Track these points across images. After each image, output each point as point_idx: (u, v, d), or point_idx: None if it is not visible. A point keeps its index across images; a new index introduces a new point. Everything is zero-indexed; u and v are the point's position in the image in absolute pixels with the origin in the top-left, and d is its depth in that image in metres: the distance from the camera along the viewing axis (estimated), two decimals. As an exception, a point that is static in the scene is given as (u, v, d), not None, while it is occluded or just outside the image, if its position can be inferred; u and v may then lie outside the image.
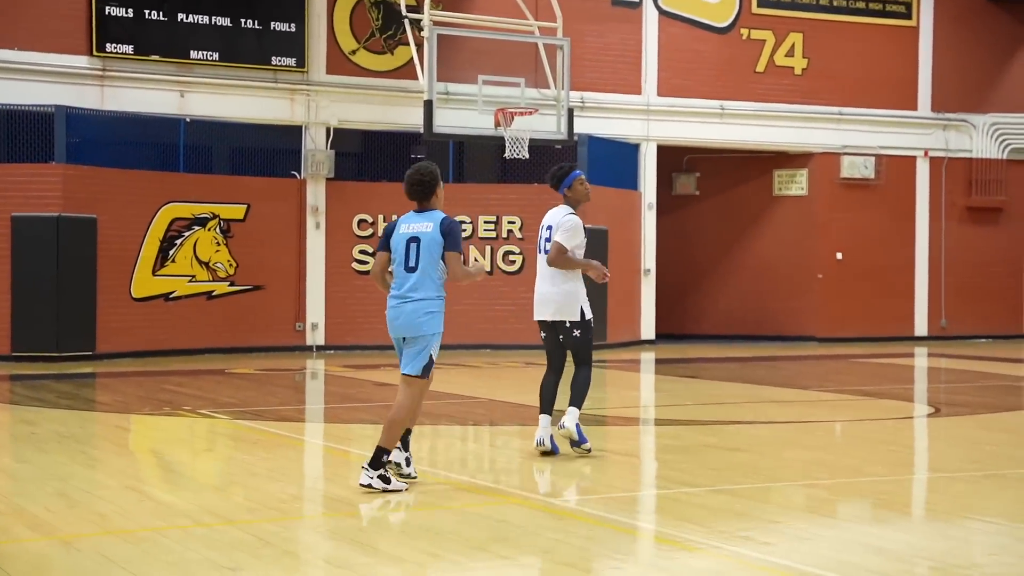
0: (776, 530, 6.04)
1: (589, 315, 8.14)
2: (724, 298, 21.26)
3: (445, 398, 12.10)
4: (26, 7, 16.12)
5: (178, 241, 16.67)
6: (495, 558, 5.50)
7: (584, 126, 18.02)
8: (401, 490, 6.85)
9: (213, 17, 16.86)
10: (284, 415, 11.05)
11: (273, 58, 17.22)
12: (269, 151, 17.59)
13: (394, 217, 7.38)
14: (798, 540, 5.85)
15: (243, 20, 17.02)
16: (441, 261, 6.86)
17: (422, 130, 15.95)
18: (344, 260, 17.62)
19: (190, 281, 16.77)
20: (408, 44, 16.62)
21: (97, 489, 7.10)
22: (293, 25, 17.31)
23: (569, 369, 8.29)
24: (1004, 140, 21.43)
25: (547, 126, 16.38)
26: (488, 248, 17.99)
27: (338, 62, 17.72)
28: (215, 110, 17.01)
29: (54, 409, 11.10)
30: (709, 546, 5.68)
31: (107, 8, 16.31)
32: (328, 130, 17.63)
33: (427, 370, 6.92)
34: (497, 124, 16.00)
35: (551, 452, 8.12)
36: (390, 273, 7.06)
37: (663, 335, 20.07)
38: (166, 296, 16.58)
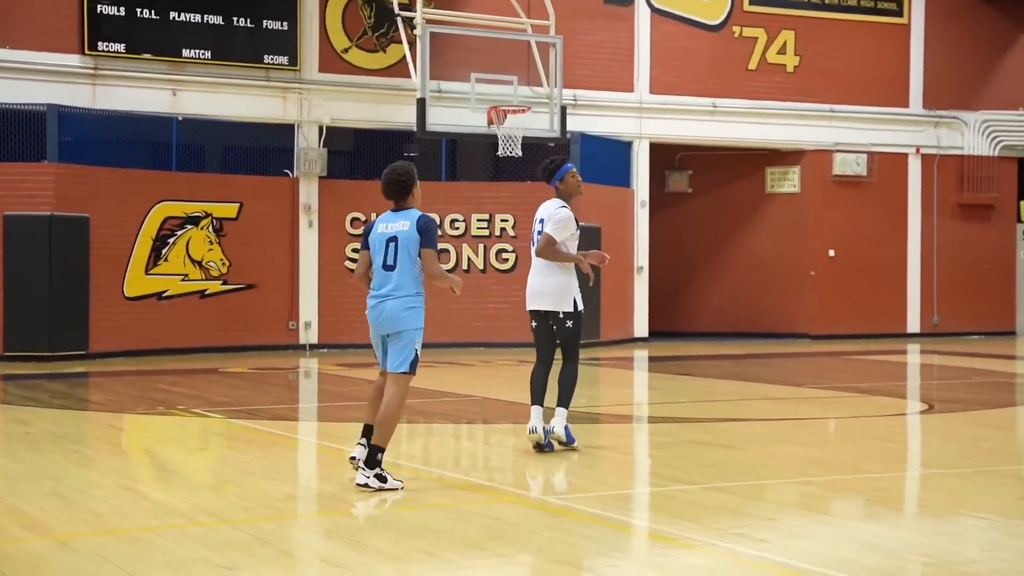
0: (771, 527, 6.05)
1: (581, 306, 8.25)
2: (717, 295, 21.29)
3: (439, 396, 12.11)
4: (18, 6, 16.08)
5: (171, 240, 16.64)
6: (491, 556, 5.50)
7: (577, 124, 18.02)
8: (397, 488, 6.86)
9: (205, 15, 16.82)
10: (278, 414, 11.04)
11: (265, 56, 17.18)
12: (262, 150, 17.56)
13: (374, 216, 7.39)
14: (793, 537, 5.87)
15: (235, 18, 16.99)
16: (419, 259, 6.92)
17: (415, 128, 15.96)
18: (337, 258, 17.60)
19: (183, 280, 16.74)
20: (401, 42, 16.63)
21: (92, 488, 7.09)
22: (285, 23, 17.28)
23: (558, 362, 8.36)
24: (995, 137, 21.48)
25: (540, 124, 16.40)
26: (481, 246, 17.99)
27: (330, 60, 17.69)
28: (207, 109, 16.98)
29: (47, 409, 11.08)
30: (705, 543, 5.69)
31: (99, 7, 16.27)
32: (321, 128, 17.61)
33: (414, 365, 6.98)
34: (490, 122, 16.01)
35: (544, 444, 8.15)
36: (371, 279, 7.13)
37: (656, 332, 20.09)
38: (159, 295, 16.56)
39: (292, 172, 17.63)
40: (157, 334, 16.41)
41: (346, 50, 17.79)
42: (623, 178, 19.52)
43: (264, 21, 17.13)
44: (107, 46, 16.33)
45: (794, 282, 20.70)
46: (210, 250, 16.93)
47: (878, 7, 20.94)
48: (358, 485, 6.84)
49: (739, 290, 21.07)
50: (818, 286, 20.63)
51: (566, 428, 8.22)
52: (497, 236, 17.99)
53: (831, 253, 20.68)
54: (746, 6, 20.16)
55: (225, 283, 17.07)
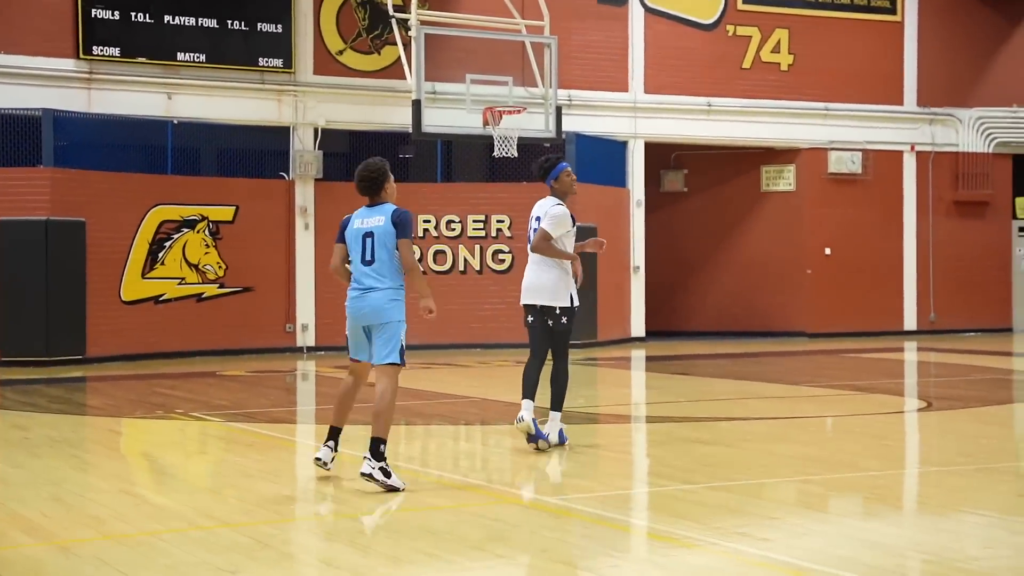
0: (773, 526, 6.06)
1: (577, 302, 8.36)
2: (713, 294, 21.31)
3: (437, 398, 12.11)
4: (11, 10, 16.06)
5: (167, 243, 16.63)
6: (492, 557, 5.50)
7: (572, 124, 18.03)
8: (399, 488, 6.86)
9: (199, 19, 16.81)
10: (276, 417, 11.03)
11: (260, 59, 17.18)
12: (257, 152, 17.56)
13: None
14: (795, 536, 5.87)
15: (229, 21, 16.98)
16: (396, 251, 7.01)
17: (410, 130, 15.96)
18: (333, 261, 17.57)
19: (180, 283, 16.73)
20: (395, 44, 16.61)
21: (92, 493, 7.09)
22: (280, 26, 17.27)
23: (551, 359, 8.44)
24: (990, 134, 21.52)
25: (535, 124, 16.39)
26: (477, 247, 17.99)
27: (325, 62, 17.69)
28: (202, 112, 16.97)
29: (46, 413, 11.08)
30: (707, 543, 5.70)
31: (93, 11, 16.26)
32: (316, 131, 17.61)
33: (403, 355, 7.07)
34: (485, 123, 16.00)
35: (535, 436, 8.21)
36: (348, 270, 7.24)
37: (653, 332, 20.10)
38: (156, 299, 16.54)
39: (288, 175, 17.63)
40: (154, 338, 16.39)
41: (341, 52, 17.79)
42: (619, 178, 19.53)
43: (258, 24, 17.13)
44: (102, 50, 16.31)
45: (790, 280, 20.72)
46: (206, 253, 16.92)
47: (871, 5, 20.98)
48: (362, 474, 6.86)
49: (735, 289, 21.08)
50: (814, 284, 20.65)
51: (560, 431, 8.39)
52: (493, 237, 18.00)
53: (827, 251, 20.70)
54: (740, 5, 20.18)
55: (222, 286, 17.07)
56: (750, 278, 20.95)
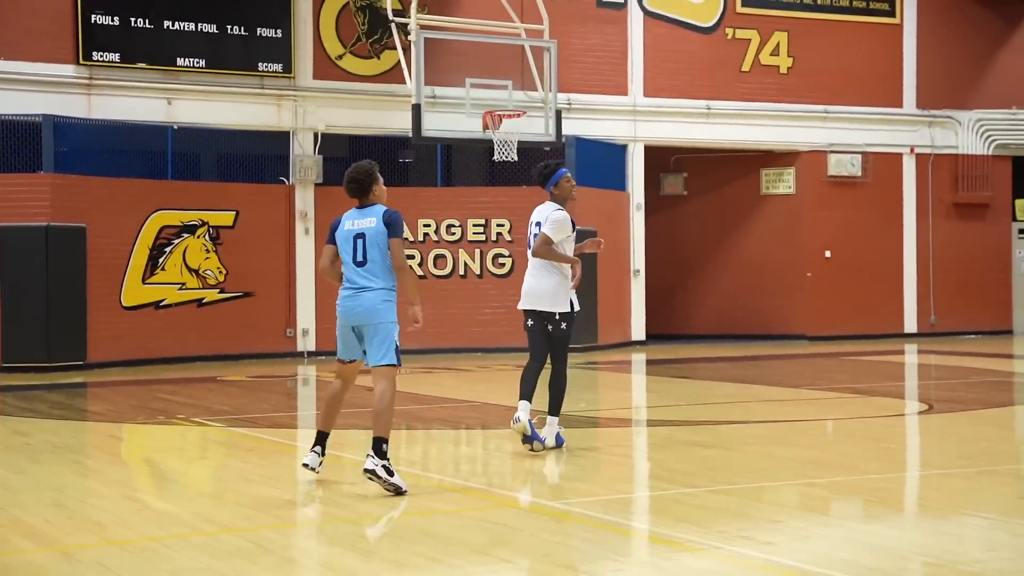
0: (776, 529, 6.06)
1: (577, 307, 8.42)
2: (714, 298, 21.31)
3: (437, 402, 12.11)
4: (11, 16, 16.08)
5: (167, 249, 16.64)
6: (496, 561, 5.50)
7: (571, 128, 18.05)
8: (401, 487, 6.88)
9: (199, 24, 16.82)
10: (277, 422, 11.03)
11: (260, 64, 17.19)
12: (257, 157, 17.56)
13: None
14: (798, 539, 5.87)
15: (229, 26, 16.99)
16: (388, 252, 7.06)
17: (410, 134, 15.96)
18: (334, 265, 17.58)
19: (180, 289, 16.74)
20: (395, 48, 16.60)
21: (94, 499, 7.09)
22: (279, 31, 17.29)
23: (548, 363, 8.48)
24: (989, 136, 21.53)
25: (535, 128, 16.41)
26: (478, 251, 18.00)
27: (325, 67, 17.71)
28: (202, 117, 16.99)
29: (47, 419, 11.07)
30: (710, 546, 5.69)
31: (93, 16, 16.27)
32: (316, 135, 17.62)
33: (399, 356, 7.11)
34: (485, 127, 16.02)
35: (530, 438, 8.25)
36: (338, 271, 7.27)
37: (653, 335, 20.11)
38: (156, 304, 16.55)
39: (288, 179, 17.64)
40: (155, 343, 16.40)
41: (340, 57, 17.81)
42: (618, 181, 19.55)
43: (258, 29, 17.15)
44: (101, 56, 16.33)
45: (791, 283, 20.73)
46: (207, 258, 16.93)
47: (870, 7, 21.00)
48: (365, 471, 6.87)
49: (736, 292, 21.09)
50: (814, 287, 20.66)
51: (557, 435, 8.45)
52: (493, 241, 18.01)
53: (827, 254, 20.71)
54: (738, 8, 20.21)
55: (222, 291, 17.07)
56: (750, 281, 20.96)
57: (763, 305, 20.89)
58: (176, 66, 16.79)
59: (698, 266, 21.42)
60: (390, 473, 6.88)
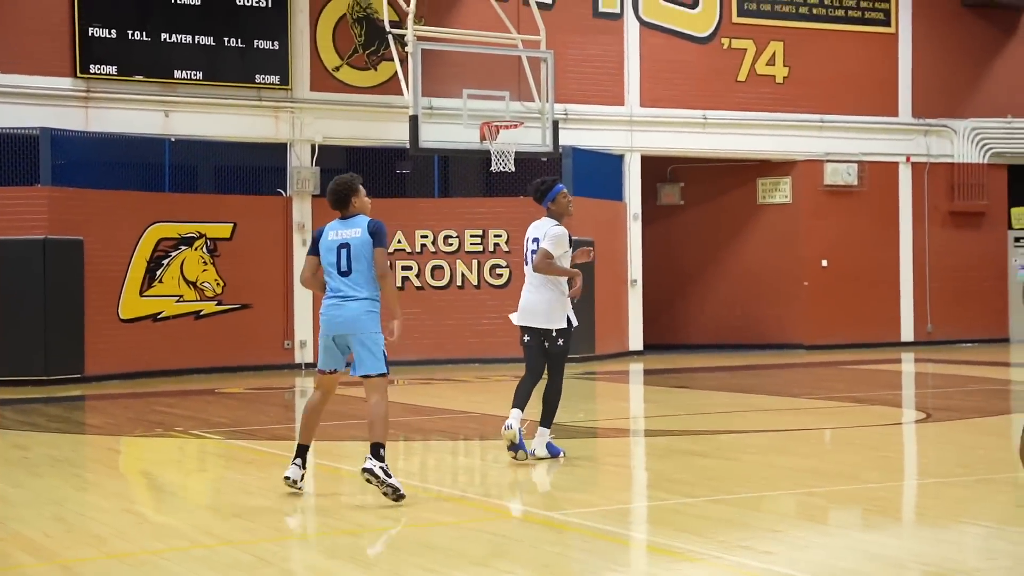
0: (775, 539, 6.07)
1: (575, 322, 8.47)
2: (711, 307, 21.34)
3: (436, 413, 12.11)
4: (8, 29, 16.10)
5: (165, 261, 16.64)
6: (496, 573, 5.51)
7: (568, 138, 18.08)
8: (399, 488, 6.90)
9: (196, 36, 16.85)
10: (276, 434, 11.03)
11: (257, 76, 17.22)
12: (254, 169, 17.59)
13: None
14: (797, 548, 5.88)
15: (226, 39, 17.02)
16: (372, 262, 7.15)
17: (407, 145, 15.99)
18: (331, 277, 17.59)
19: (177, 301, 16.74)
20: (392, 60, 16.68)
21: (93, 512, 7.08)
22: (276, 43, 17.33)
23: (543, 376, 8.52)
24: (985, 144, 21.60)
25: (532, 139, 16.43)
26: (475, 262, 18.02)
27: (322, 79, 17.75)
28: (200, 129, 17.00)
29: (45, 433, 11.06)
30: (710, 556, 5.70)
31: (90, 29, 16.29)
32: (313, 147, 17.65)
33: (388, 365, 7.17)
34: (482, 138, 16.04)
35: (517, 446, 8.27)
36: (320, 281, 7.35)
37: (651, 345, 20.12)
38: (154, 317, 16.55)
39: (285, 191, 17.66)
40: (152, 356, 16.39)
41: (337, 68, 17.84)
42: (615, 191, 19.58)
43: (255, 41, 17.18)
44: (99, 68, 16.35)
45: (787, 292, 20.76)
46: (204, 271, 16.93)
47: (865, 17, 21.07)
48: (364, 470, 6.90)
49: (733, 301, 21.12)
50: (811, 296, 20.69)
51: (548, 444, 8.47)
52: (491, 252, 18.02)
53: (824, 263, 20.74)
54: (734, 18, 20.27)
55: (220, 303, 17.07)
56: (747, 290, 20.99)
57: (760, 314, 20.92)
58: (173, 78, 16.81)
59: (695, 276, 21.45)
60: (388, 475, 6.91)
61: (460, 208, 18.19)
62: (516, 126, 16.19)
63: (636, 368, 18.14)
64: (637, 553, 6.10)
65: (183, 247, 16.79)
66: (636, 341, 19.80)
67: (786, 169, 20.85)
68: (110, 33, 16.40)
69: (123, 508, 7.26)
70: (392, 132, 17.51)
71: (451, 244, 17.97)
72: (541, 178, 8.73)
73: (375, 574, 5.52)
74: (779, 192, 21.01)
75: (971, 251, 21.61)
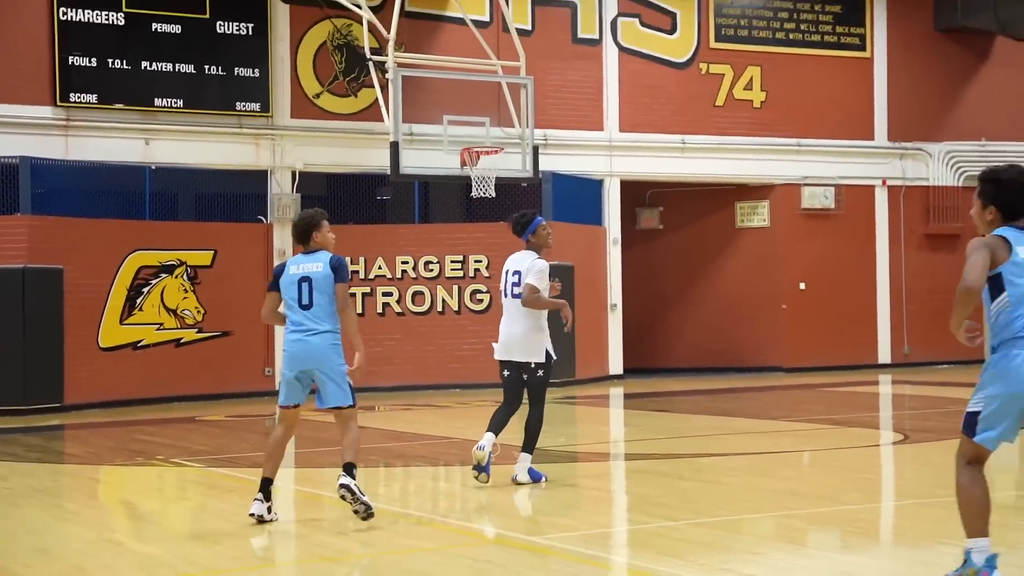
0: (756, 561, 6.12)
1: (554, 356, 8.54)
2: (690, 331, 21.44)
3: (417, 439, 12.13)
4: (-13, 59, 16.11)
5: (145, 289, 16.62)
6: (479, 599, 5.53)
7: (548, 163, 18.17)
8: (371, 506, 7.03)
9: (177, 64, 16.89)
10: (257, 461, 10.93)
11: (237, 103, 17.26)
12: (235, 196, 17.60)
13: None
14: (778, 570, 5.93)
15: (207, 67, 17.07)
16: (333, 296, 7.29)
17: (388, 171, 16.05)
18: (312, 303, 17.58)
19: (158, 329, 16.71)
20: (372, 86, 16.74)
21: (75, 542, 7.07)
22: (257, 70, 17.39)
23: (524, 406, 8.56)
24: (959, 168, 21.83)
25: (512, 164, 16.53)
26: (456, 287, 18.07)
27: (302, 106, 17.80)
28: (180, 157, 17.01)
29: (24, 463, 11.01)
30: (690, 580, 5.75)
31: (70, 58, 16.32)
32: (294, 174, 17.69)
33: (354, 396, 7.31)
34: (463, 164, 16.12)
35: (484, 469, 8.33)
36: (281, 315, 7.48)
37: (631, 369, 20.19)
38: (134, 345, 16.51)
39: (266, 218, 17.68)
40: (133, 384, 16.33)
41: (318, 95, 17.92)
42: (595, 216, 19.69)
43: (236, 68, 17.23)
44: (79, 97, 16.36)
45: (766, 316, 20.89)
46: (185, 298, 16.92)
47: (841, 42, 21.32)
48: (342, 486, 7.03)
49: (712, 325, 21.23)
50: (790, 319, 20.83)
51: (530, 470, 8.53)
52: (471, 277, 18.08)
53: (802, 286, 20.89)
54: (712, 43, 20.47)
55: (200, 331, 17.05)
56: (726, 314, 21.11)
57: (739, 337, 21.04)
58: (154, 106, 16.84)
59: (674, 300, 21.56)
60: (362, 493, 7.07)
61: (440, 234, 18.25)
62: (496, 152, 16.28)
63: (616, 392, 18.20)
64: (619, 577, 6.14)
65: (163, 275, 16.77)
66: (616, 365, 19.87)
67: (764, 193, 21.03)
68: (90, 62, 16.42)
69: (104, 538, 7.25)
70: (373, 158, 17.57)
71: (432, 270, 18.02)
72: (521, 211, 8.84)
73: (358, 601, 5.53)
74: (757, 216, 21.17)
75: (947, 273, 21.73)
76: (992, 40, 21.93)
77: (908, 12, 21.52)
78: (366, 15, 16.63)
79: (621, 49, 19.86)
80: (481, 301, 17.99)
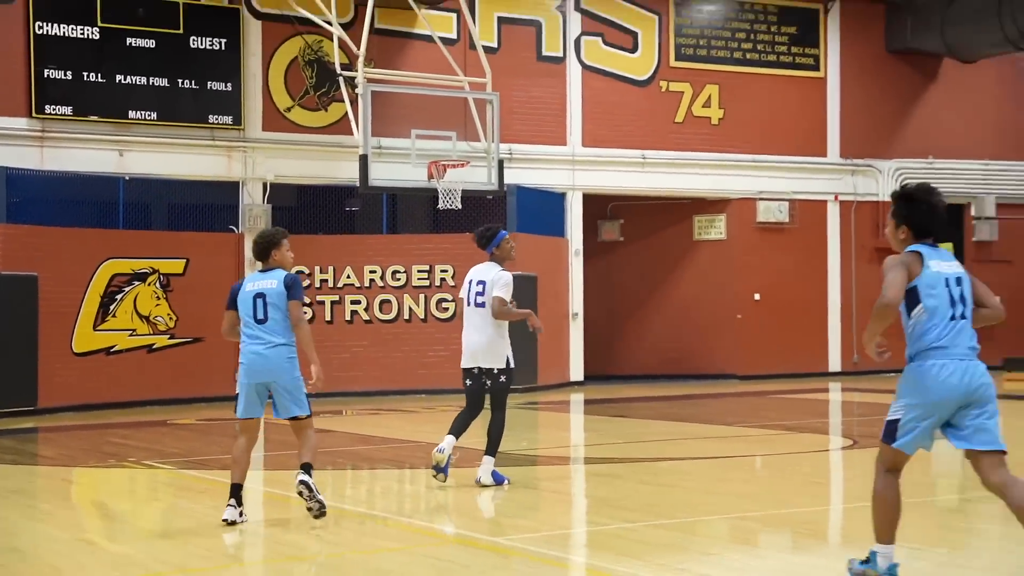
0: (711, 562, 6.32)
1: (512, 363, 8.81)
2: (649, 339, 21.80)
3: (384, 443, 12.26)
4: (-37, 71, 16.24)
5: (119, 296, 16.77)
6: (448, 594, 5.73)
7: (513, 177, 18.45)
8: (324, 505, 7.35)
9: (151, 78, 17.07)
10: (228, 464, 11.14)
11: (210, 116, 17.44)
12: (207, 207, 17.73)
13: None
14: (732, 571, 6.12)
15: (180, 80, 17.28)
16: (287, 312, 7.54)
17: (357, 183, 16.26)
18: (281, 311, 17.81)
19: (131, 335, 16.87)
20: (342, 101, 16.84)
21: (48, 543, 7.13)
22: (229, 84, 17.62)
23: (486, 412, 8.81)
24: (908, 184, 22.31)
25: (478, 177, 16.70)
26: (422, 296, 18.37)
27: (273, 119, 18.00)
28: (154, 168, 17.13)
29: (-1, 464, 11.03)
30: (647, 577, 5.93)
31: (46, 71, 16.47)
32: (265, 185, 17.86)
33: (309, 406, 7.61)
34: (430, 177, 16.32)
35: (443, 470, 8.60)
36: (237, 332, 7.73)
37: (591, 376, 20.45)
38: (107, 350, 16.67)
39: (237, 228, 17.87)
40: (106, 388, 16.45)
41: (289, 109, 18.16)
42: (558, 228, 20.01)
43: (208, 82, 17.45)
44: (54, 109, 16.49)
45: (722, 325, 21.28)
46: (157, 305, 17.10)
47: (796, 62, 21.84)
48: (301, 482, 7.30)
49: (670, 334, 21.58)
50: (744, 328, 21.23)
51: (493, 472, 8.77)
52: (437, 286, 18.37)
53: (756, 297, 21.32)
54: (672, 62, 20.91)
55: (172, 337, 17.23)
56: (683, 323, 21.47)
57: (696, 346, 21.42)
58: (128, 118, 16.97)
59: (634, 309, 21.92)
60: (318, 491, 7.38)
61: (408, 244, 18.51)
62: (463, 165, 16.53)
63: (577, 398, 18.39)
64: None
65: (136, 282, 16.94)
66: (577, 372, 20.18)
67: (721, 207, 21.46)
68: (65, 75, 16.58)
69: (78, 538, 7.32)
70: (342, 171, 17.80)
71: (399, 279, 18.31)
72: (486, 225, 9.12)
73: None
74: (714, 229, 21.61)
75: (896, 285, 22.28)
76: (940, 62, 22.53)
77: (860, 34, 22.06)
78: (336, 31, 16.88)
79: (584, 67, 20.26)
80: (447, 309, 18.29)
